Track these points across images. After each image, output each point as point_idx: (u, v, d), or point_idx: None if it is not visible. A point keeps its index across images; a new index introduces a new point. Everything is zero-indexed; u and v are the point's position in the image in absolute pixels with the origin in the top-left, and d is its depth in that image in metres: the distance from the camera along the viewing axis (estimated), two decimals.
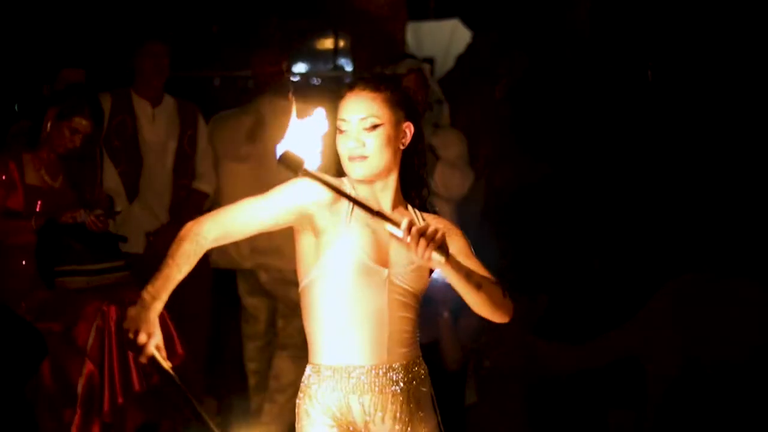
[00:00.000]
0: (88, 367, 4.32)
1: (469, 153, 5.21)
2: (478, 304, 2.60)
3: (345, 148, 2.67)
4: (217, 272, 5.38)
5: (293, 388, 5.05)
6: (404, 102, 2.72)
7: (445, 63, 8.43)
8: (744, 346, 3.82)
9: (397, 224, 2.40)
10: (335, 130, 2.68)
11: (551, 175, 5.40)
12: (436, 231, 2.39)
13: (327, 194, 2.63)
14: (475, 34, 7.27)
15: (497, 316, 2.65)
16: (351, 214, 2.66)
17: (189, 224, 2.60)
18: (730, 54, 5.62)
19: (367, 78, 2.75)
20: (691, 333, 3.85)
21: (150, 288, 2.53)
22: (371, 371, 2.65)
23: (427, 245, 2.37)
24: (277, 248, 4.99)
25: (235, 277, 5.37)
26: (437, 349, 4.41)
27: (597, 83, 5.76)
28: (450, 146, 5.08)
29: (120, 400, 4.34)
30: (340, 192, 2.49)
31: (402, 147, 2.72)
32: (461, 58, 6.74)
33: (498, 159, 5.49)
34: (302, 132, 2.38)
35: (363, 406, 2.66)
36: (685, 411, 3.81)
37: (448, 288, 2.62)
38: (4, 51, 5.95)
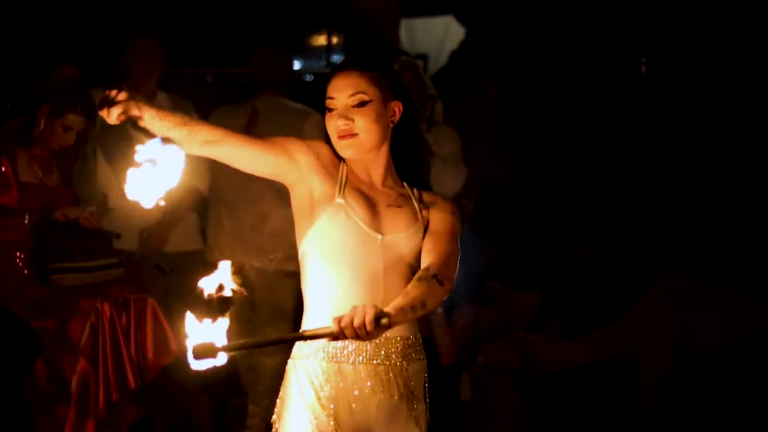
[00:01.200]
0: (82, 364, 4.32)
1: (462, 150, 5.20)
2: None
3: (333, 126, 2.67)
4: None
5: (273, 391, 5.03)
6: (393, 81, 2.73)
7: (438, 59, 8.43)
8: (734, 343, 3.83)
9: (326, 333, 2.43)
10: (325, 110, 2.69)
11: (544, 171, 5.41)
12: (363, 312, 2.37)
13: (327, 155, 2.69)
14: (468, 31, 7.28)
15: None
16: (345, 182, 2.67)
17: None
18: (724, 49, 5.63)
19: (356, 57, 2.78)
20: (683, 330, 3.86)
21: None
22: None
23: (362, 327, 2.36)
24: (260, 247, 4.96)
25: None
26: (432, 344, 4.41)
27: (590, 79, 5.77)
28: (443, 143, 5.06)
29: (114, 397, 4.34)
30: (262, 345, 2.54)
31: (391, 125, 2.72)
32: (455, 55, 6.75)
33: (491, 156, 5.50)
34: (203, 325, 2.46)
35: (356, 373, 2.65)
36: (678, 407, 3.82)
37: None
38: None
